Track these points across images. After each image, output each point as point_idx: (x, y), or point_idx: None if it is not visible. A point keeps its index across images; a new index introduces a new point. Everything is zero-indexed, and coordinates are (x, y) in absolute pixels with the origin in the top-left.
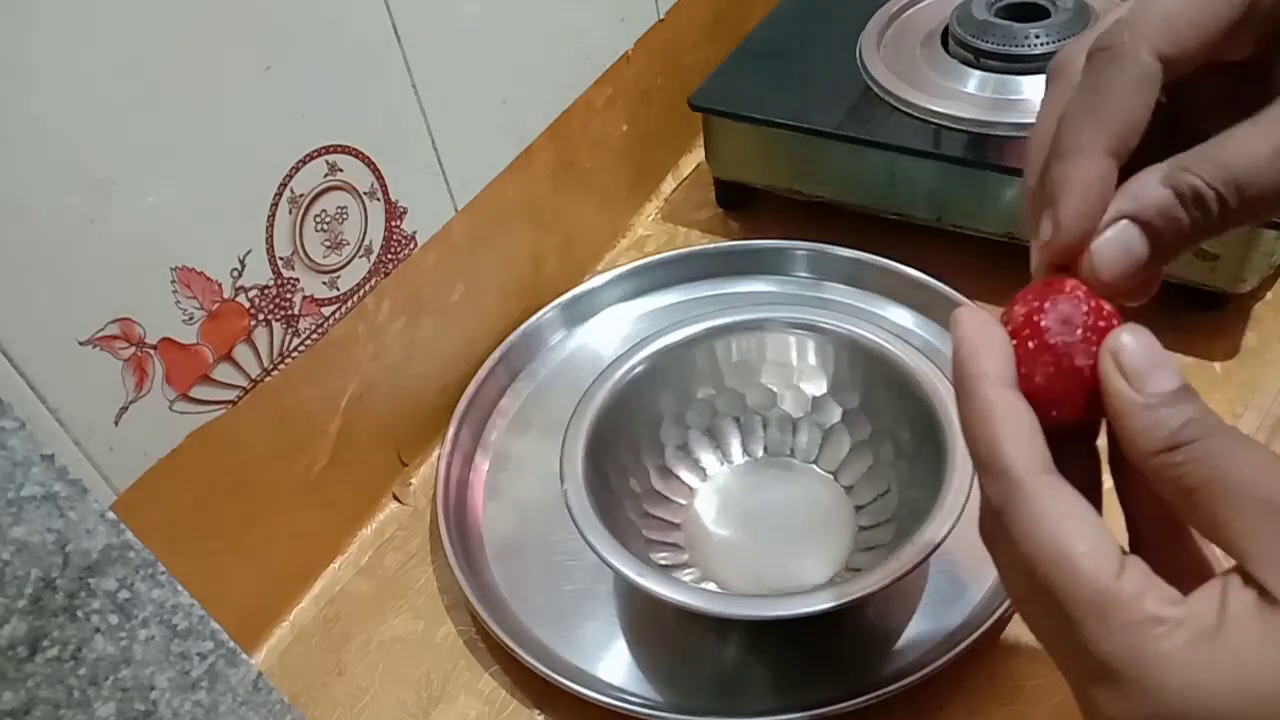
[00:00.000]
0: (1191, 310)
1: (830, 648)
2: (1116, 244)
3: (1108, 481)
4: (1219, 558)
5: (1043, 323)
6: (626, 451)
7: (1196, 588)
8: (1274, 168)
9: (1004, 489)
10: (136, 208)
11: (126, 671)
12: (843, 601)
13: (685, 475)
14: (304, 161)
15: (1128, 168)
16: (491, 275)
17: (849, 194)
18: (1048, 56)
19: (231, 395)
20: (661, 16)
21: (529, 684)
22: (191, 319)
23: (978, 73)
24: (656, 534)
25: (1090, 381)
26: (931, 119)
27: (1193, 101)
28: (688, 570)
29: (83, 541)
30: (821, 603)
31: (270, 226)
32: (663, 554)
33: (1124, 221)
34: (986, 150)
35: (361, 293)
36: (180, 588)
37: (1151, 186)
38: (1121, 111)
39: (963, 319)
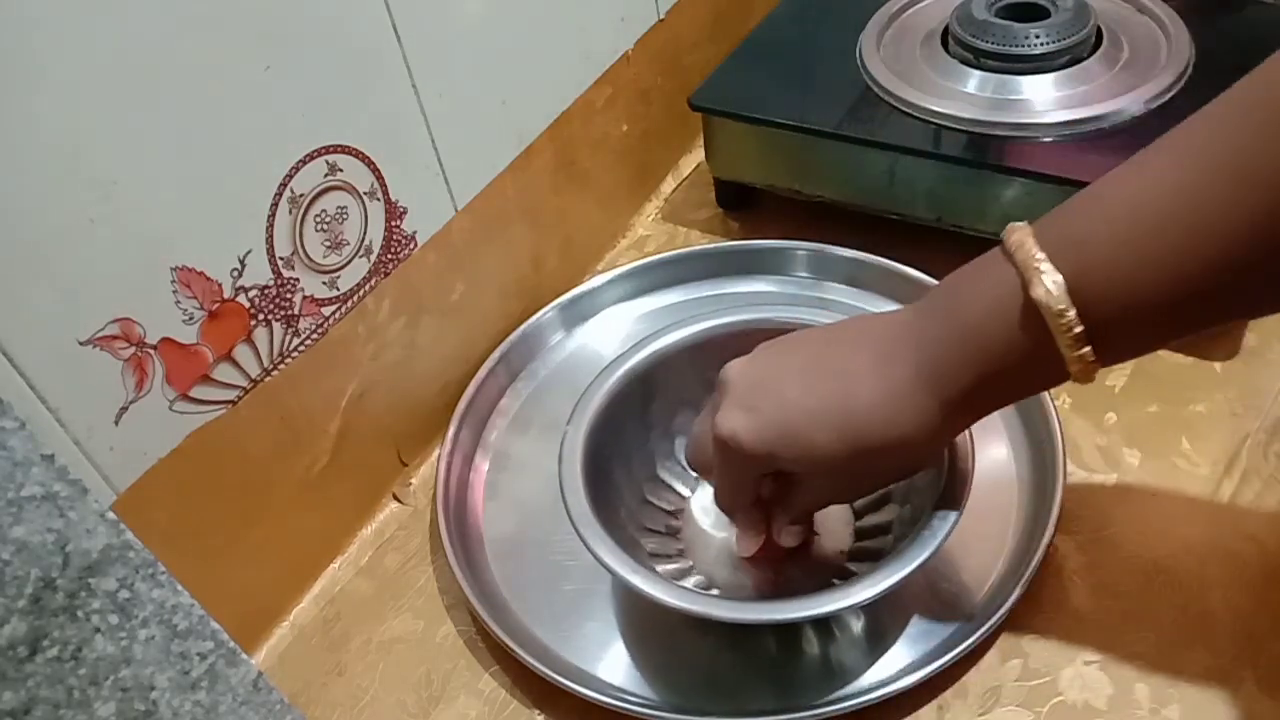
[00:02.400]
0: None
1: (830, 648)
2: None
3: None
4: None
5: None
6: (626, 452)
7: None
8: (810, 510)
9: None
10: (136, 208)
11: (126, 671)
12: (839, 607)
13: (685, 476)
14: (304, 161)
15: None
16: (491, 275)
17: (849, 194)
18: (1048, 56)
19: (231, 395)
20: (661, 16)
21: (529, 684)
22: (191, 319)
23: (978, 73)
24: (656, 535)
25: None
26: (931, 119)
27: None
28: (686, 571)
29: (83, 541)
30: (818, 607)
31: (270, 226)
32: (662, 555)
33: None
34: (986, 150)
35: (361, 293)
36: (180, 588)
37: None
38: (746, 511)
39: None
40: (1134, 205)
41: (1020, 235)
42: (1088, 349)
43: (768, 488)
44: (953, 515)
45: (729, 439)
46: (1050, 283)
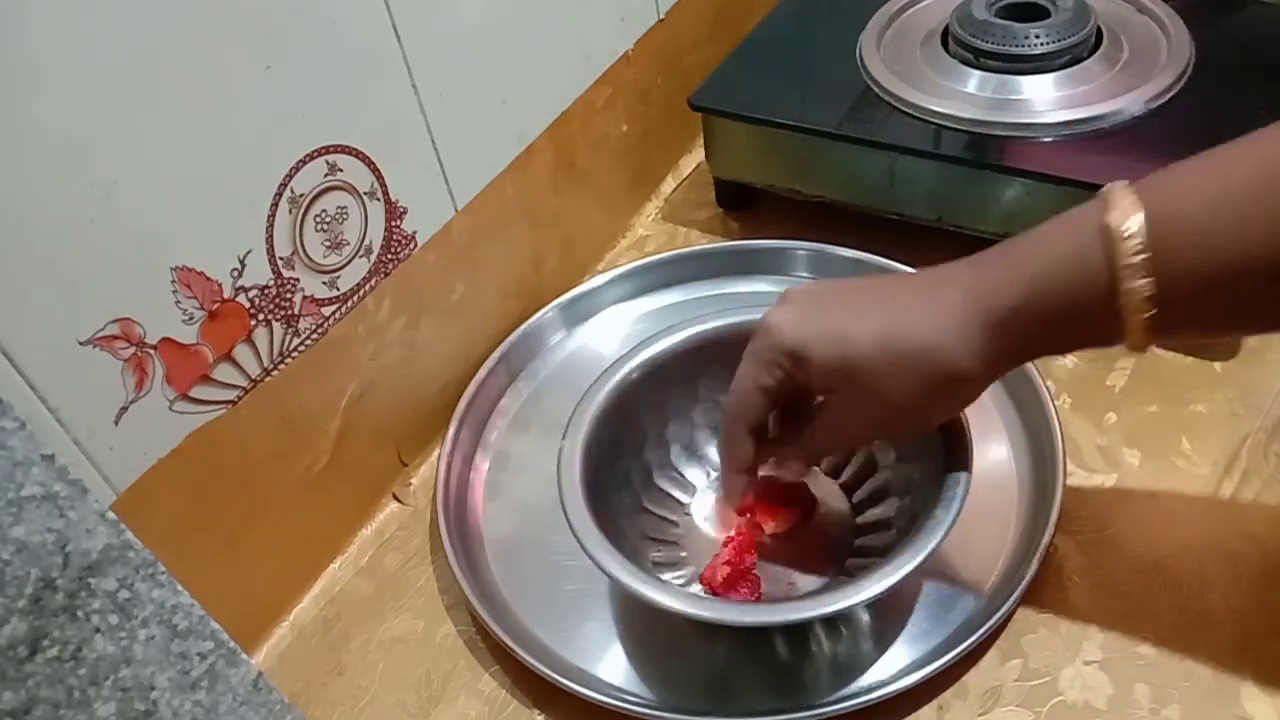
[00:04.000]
0: None
1: (830, 648)
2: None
3: None
4: None
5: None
6: (626, 452)
7: None
8: (824, 448)
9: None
10: (136, 208)
11: (126, 671)
12: (838, 608)
13: (685, 476)
14: (304, 161)
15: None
16: (491, 275)
17: (849, 194)
18: (1048, 56)
19: (231, 395)
20: (661, 16)
21: (529, 684)
22: (191, 319)
23: (978, 73)
24: (655, 535)
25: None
26: (931, 119)
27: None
28: (686, 572)
29: (83, 541)
30: (817, 609)
31: (270, 226)
32: (661, 555)
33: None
34: (986, 150)
35: (361, 293)
36: (180, 588)
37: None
38: (746, 427)
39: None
40: (1225, 164)
41: (1117, 182)
42: (1146, 282)
43: (777, 422)
44: (951, 517)
45: (770, 326)
46: (1129, 206)
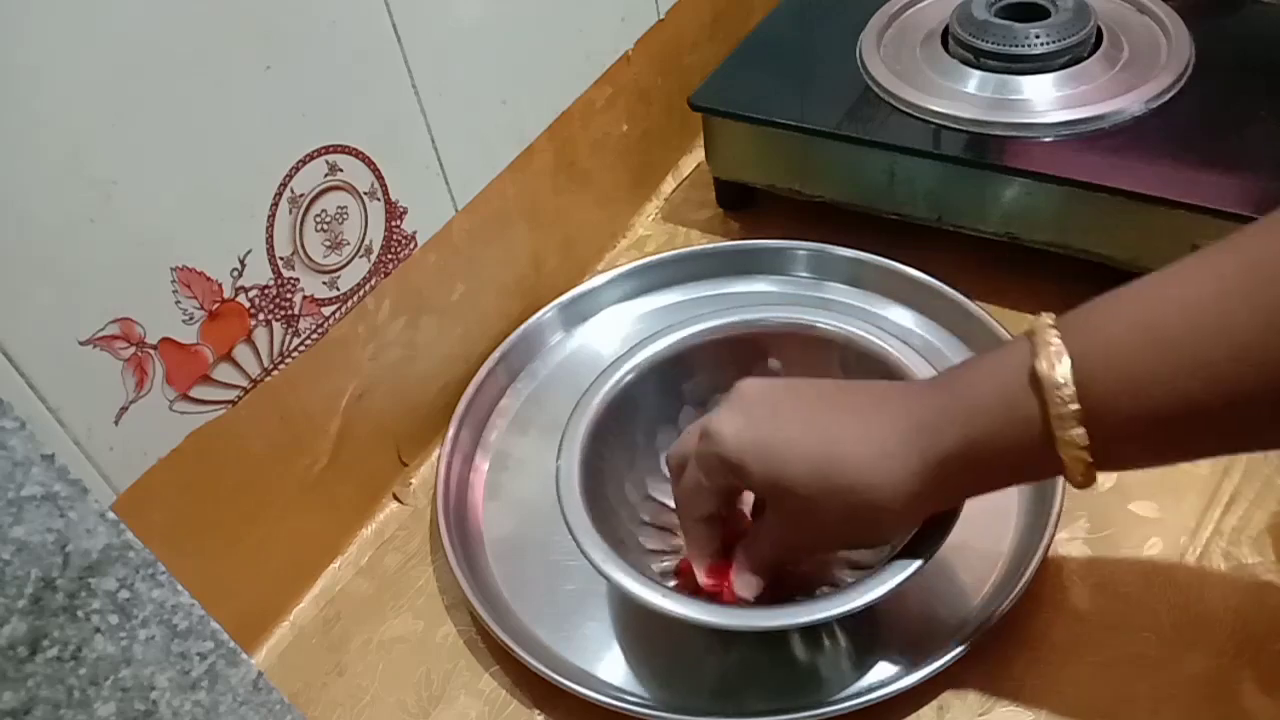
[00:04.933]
0: None
1: (830, 648)
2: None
3: None
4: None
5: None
6: (626, 452)
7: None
8: (765, 556)
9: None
10: (136, 208)
11: (126, 671)
12: (838, 612)
13: None
14: (304, 161)
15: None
16: (491, 275)
17: (849, 194)
18: (1048, 56)
19: (231, 395)
20: (661, 16)
21: (529, 684)
22: (191, 319)
23: (978, 73)
24: (655, 536)
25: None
26: (931, 119)
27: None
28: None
29: (83, 541)
30: (817, 613)
31: (270, 226)
32: (661, 556)
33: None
34: (986, 150)
35: (361, 293)
36: (180, 588)
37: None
38: (700, 521)
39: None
40: (1152, 305)
41: (1044, 319)
42: (1080, 432)
43: (727, 511)
44: (952, 518)
45: (711, 433)
46: (1055, 356)
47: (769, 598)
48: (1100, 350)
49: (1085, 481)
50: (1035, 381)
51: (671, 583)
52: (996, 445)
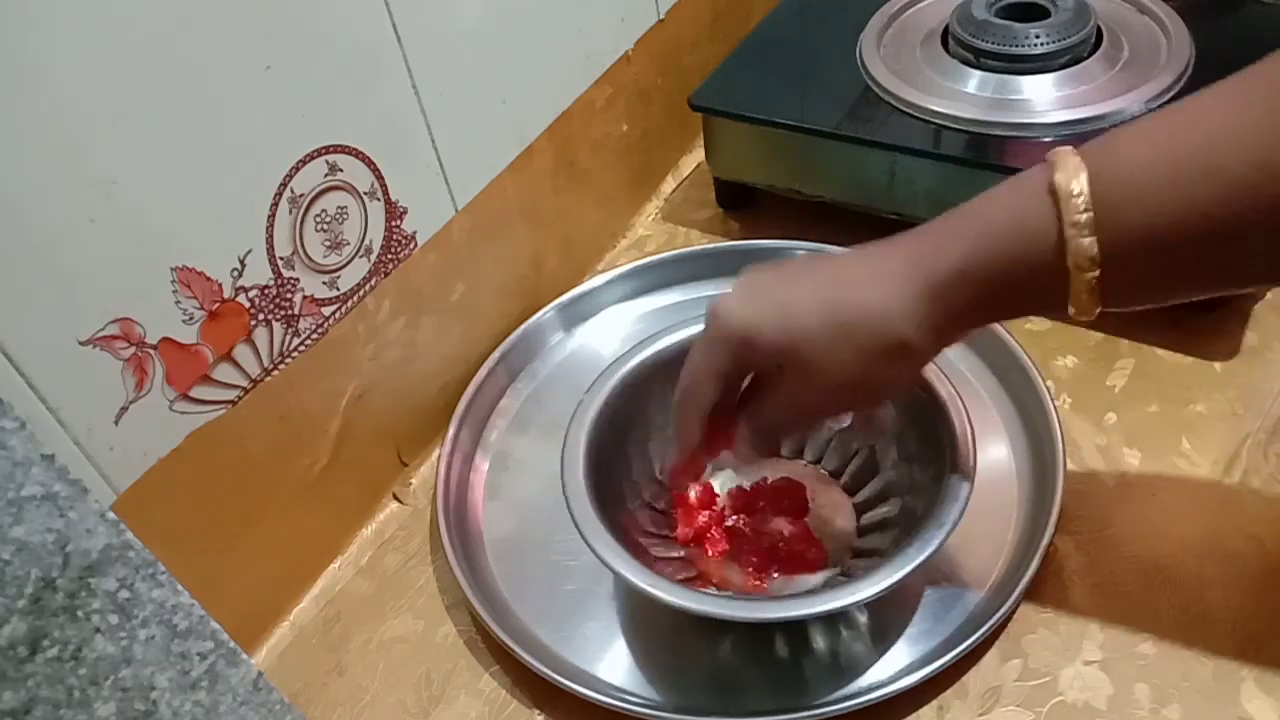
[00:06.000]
0: (1191, 310)
1: (830, 648)
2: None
3: None
4: None
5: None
6: (628, 452)
7: None
8: (777, 426)
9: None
10: (136, 208)
11: (126, 671)
12: (840, 605)
13: None
14: (304, 161)
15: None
16: (491, 275)
17: (849, 194)
18: (1048, 56)
19: (231, 395)
20: (661, 16)
21: (529, 684)
22: (191, 319)
23: (978, 73)
24: (658, 534)
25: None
26: (931, 119)
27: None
28: (688, 570)
29: (83, 541)
30: (818, 605)
31: (270, 226)
32: (664, 554)
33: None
34: (986, 150)
35: (361, 293)
36: (180, 588)
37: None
38: (696, 411)
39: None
40: (1171, 124)
41: (1064, 146)
42: (1091, 241)
43: (727, 399)
44: (953, 518)
45: (718, 310)
46: (1075, 166)
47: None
48: (1118, 167)
49: (1089, 307)
50: (1052, 193)
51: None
52: (1003, 262)
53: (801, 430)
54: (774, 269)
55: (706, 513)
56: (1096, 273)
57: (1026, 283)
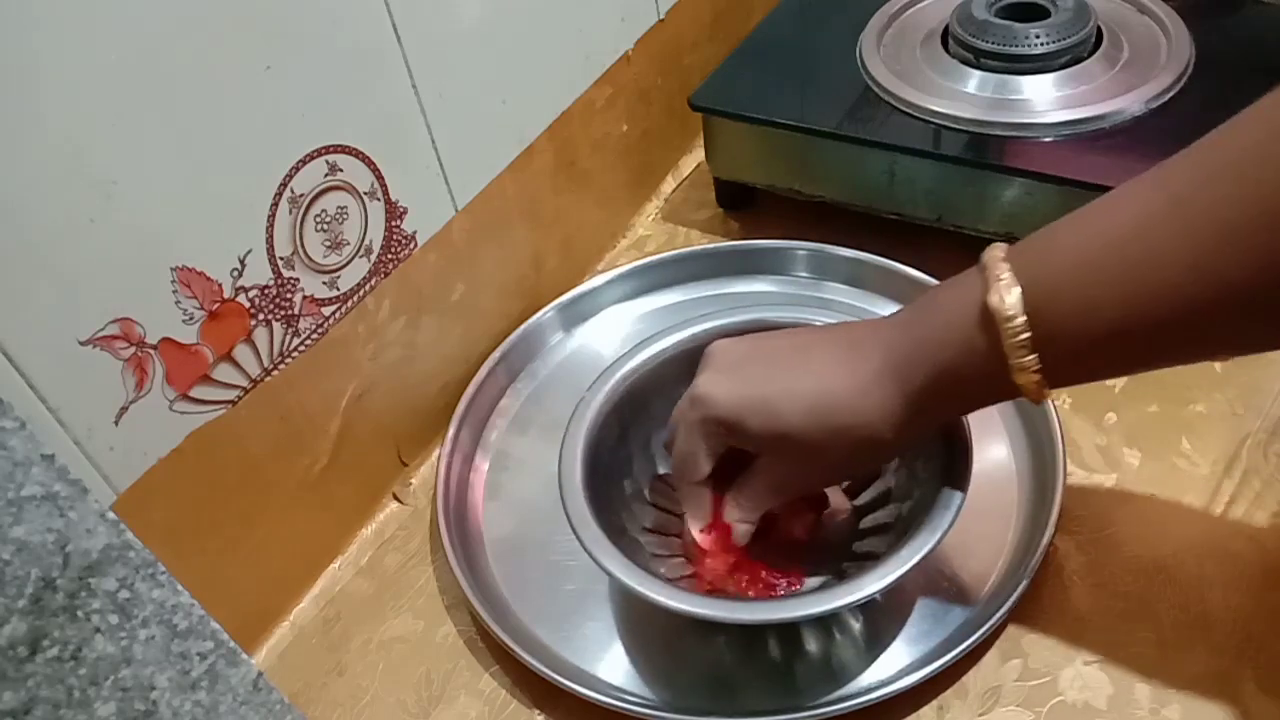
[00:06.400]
0: None
1: (830, 648)
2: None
3: None
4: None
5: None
6: (627, 452)
7: None
8: (763, 503)
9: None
10: (136, 208)
11: (126, 671)
12: (836, 606)
13: None
14: (304, 161)
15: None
16: (491, 275)
17: (849, 194)
18: (1048, 56)
19: (231, 395)
20: (661, 16)
21: (529, 684)
22: (191, 319)
23: (978, 73)
24: (657, 535)
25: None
26: (931, 119)
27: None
28: (687, 571)
29: (83, 541)
30: (817, 606)
31: (270, 226)
32: (663, 555)
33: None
34: (986, 150)
35: (361, 293)
36: (180, 588)
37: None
38: (699, 495)
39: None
40: (1099, 229)
41: (995, 251)
42: (1033, 358)
43: (722, 470)
44: (950, 518)
45: (703, 398)
46: (1005, 290)
47: (757, 549)
48: (1050, 276)
49: (1039, 398)
50: (987, 315)
51: (683, 567)
52: (962, 375)
53: (783, 500)
54: (750, 353)
55: (726, 556)
56: (1040, 379)
57: (982, 389)
